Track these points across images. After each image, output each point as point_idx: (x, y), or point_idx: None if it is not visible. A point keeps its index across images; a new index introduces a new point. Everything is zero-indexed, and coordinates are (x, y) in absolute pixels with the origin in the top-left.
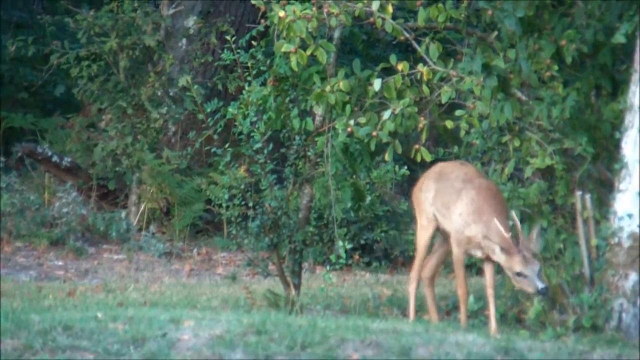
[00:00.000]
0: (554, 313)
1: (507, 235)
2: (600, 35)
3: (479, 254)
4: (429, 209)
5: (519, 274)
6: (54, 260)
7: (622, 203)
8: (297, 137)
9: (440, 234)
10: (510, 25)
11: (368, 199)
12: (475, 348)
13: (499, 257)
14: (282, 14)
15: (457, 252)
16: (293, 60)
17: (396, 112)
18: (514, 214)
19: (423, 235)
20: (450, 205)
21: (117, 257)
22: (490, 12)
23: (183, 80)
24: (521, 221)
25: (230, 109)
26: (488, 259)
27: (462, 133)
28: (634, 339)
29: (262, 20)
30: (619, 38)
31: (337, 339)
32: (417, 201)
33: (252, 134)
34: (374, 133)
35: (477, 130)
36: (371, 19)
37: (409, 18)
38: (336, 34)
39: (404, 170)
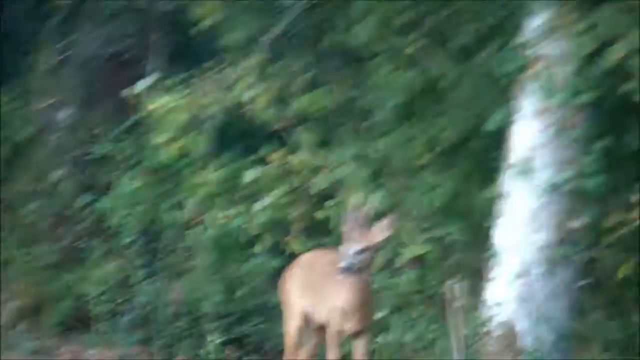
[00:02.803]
0: None
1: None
2: (472, 122)
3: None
4: (296, 300)
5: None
6: None
7: (492, 292)
8: (168, 230)
9: (309, 326)
10: (384, 113)
11: (239, 292)
12: None
13: None
14: (152, 106)
15: (331, 331)
16: (165, 153)
17: (267, 203)
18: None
19: (290, 328)
20: (320, 291)
21: None
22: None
23: (55, 175)
24: (392, 312)
25: (99, 204)
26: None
27: (332, 223)
28: None
29: (134, 113)
30: (491, 126)
31: None
32: (284, 293)
33: (122, 228)
34: (246, 225)
35: None
36: (245, 109)
37: (283, 107)
38: (209, 125)
39: (276, 262)
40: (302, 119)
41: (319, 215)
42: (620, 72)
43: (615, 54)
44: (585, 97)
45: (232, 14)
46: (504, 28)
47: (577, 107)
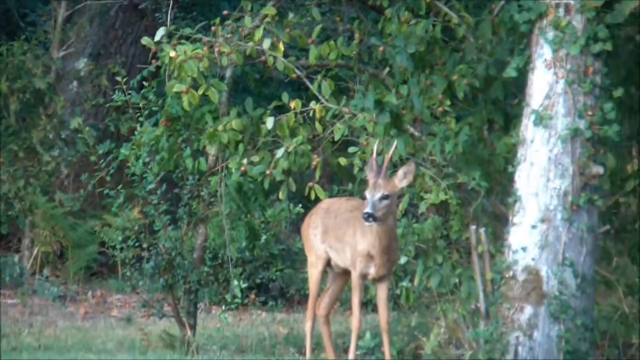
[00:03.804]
0: (450, 348)
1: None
2: (491, 69)
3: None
4: (319, 245)
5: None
6: None
7: (517, 236)
8: (190, 177)
9: (332, 271)
10: (401, 62)
11: (263, 237)
12: None
13: None
14: (172, 54)
15: (354, 275)
16: (185, 100)
17: (289, 150)
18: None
19: (313, 272)
20: (344, 237)
21: (11, 302)
22: (381, 48)
23: (75, 123)
24: (416, 257)
25: (122, 150)
26: (381, 280)
27: (356, 170)
28: None
29: (153, 61)
30: (510, 72)
31: None
32: (306, 238)
33: (145, 175)
34: (268, 172)
35: None
36: (263, 58)
37: (301, 56)
38: (228, 73)
39: (299, 208)
40: (321, 67)
41: (342, 161)
42: (635, 22)
43: (630, 4)
44: (601, 46)
45: None
46: None
47: (593, 55)
